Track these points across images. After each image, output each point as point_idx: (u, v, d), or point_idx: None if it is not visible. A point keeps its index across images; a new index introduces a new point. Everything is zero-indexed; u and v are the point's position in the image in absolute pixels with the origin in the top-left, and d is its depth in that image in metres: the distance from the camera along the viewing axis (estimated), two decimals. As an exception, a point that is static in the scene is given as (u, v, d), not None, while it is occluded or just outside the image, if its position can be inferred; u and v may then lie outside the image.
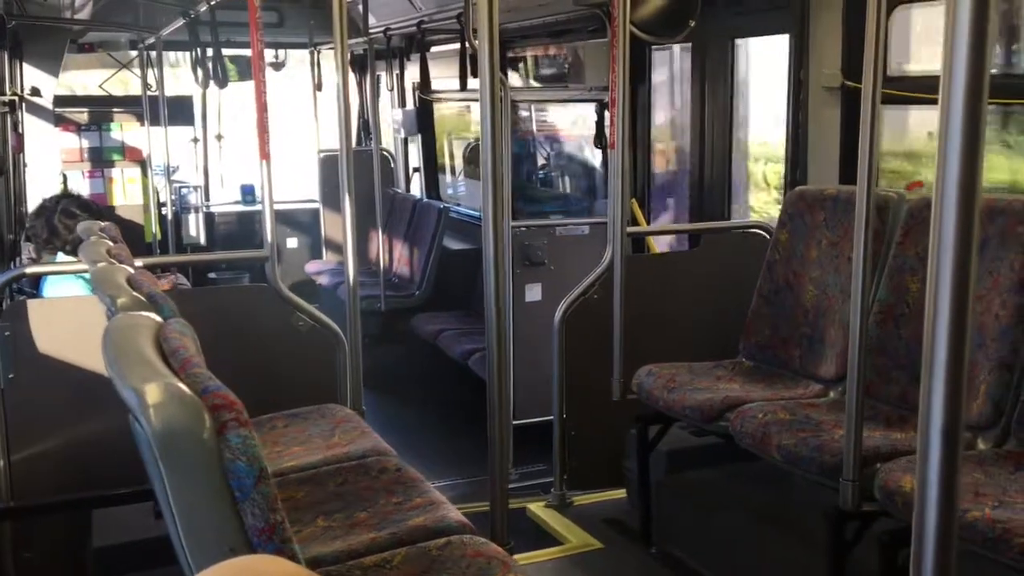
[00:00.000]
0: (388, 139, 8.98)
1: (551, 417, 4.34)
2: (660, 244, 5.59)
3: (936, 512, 1.43)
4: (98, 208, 5.07)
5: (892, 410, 3.14)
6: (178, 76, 8.98)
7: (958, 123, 1.28)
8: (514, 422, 3.12)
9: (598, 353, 4.00)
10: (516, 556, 2.67)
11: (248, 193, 8.97)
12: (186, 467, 1.27)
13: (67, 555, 3.51)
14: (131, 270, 2.37)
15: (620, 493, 4.22)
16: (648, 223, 5.55)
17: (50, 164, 7.75)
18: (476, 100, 7.24)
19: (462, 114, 8.85)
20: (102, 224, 3.29)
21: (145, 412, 1.24)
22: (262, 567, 0.81)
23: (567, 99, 7.35)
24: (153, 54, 7.64)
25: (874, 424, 3.00)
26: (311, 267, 8.43)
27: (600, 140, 5.94)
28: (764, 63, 4.98)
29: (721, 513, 3.59)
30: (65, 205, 4.76)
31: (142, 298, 1.98)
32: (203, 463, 1.26)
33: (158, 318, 1.62)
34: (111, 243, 2.86)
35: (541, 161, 8.01)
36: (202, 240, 8.48)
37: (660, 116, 5.63)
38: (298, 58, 8.97)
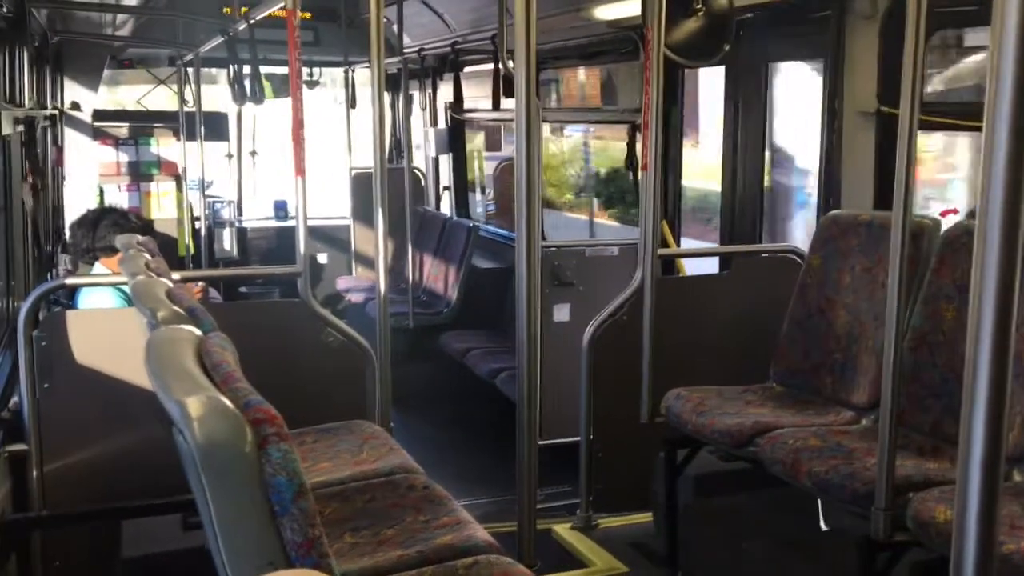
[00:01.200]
0: (418, 158, 9.04)
1: (578, 438, 4.33)
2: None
3: (975, 544, 1.41)
4: (141, 221, 5.16)
5: (925, 439, 3.10)
6: (214, 92, 9.11)
7: (1003, 150, 1.27)
8: (540, 442, 3.10)
9: (626, 375, 3.98)
10: (542, 578, 2.67)
11: (280, 209, 9.06)
12: (227, 480, 1.28)
13: (96, 565, 3.54)
14: (170, 283, 2.40)
15: (646, 517, 4.19)
16: (678, 245, 5.54)
17: (88, 177, 7.87)
18: (509, 120, 7.28)
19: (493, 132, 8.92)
20: (140, 238, 3.34)
21: (188, 425, 1.26)
22: None
23: (599, 120, 7.37)
24: (191, 71, 7.75)
25: (907, 453, 2.96)
26: (341, 283, 8.49)
27: (631, 162, 5.94)
28: (789, 88, 4.98)
29: (749, 539, 3.56)
30: (114, 217, 4.84)
31: (182, 311, 2.01)
32: (244, 477, 1.27)
33: (199, 332, 1.64)
34: (149, 256, 2.90)
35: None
36: (234, 254, 8.57)
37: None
38: (329, 76, 9.07)
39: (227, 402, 1.30)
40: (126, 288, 4.32)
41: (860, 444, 3.07)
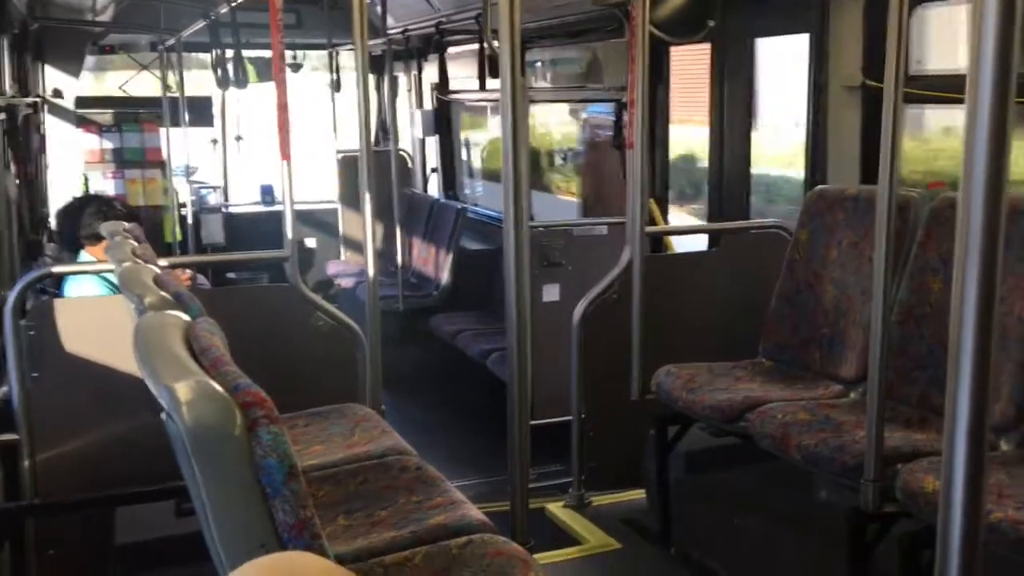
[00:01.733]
0: (405, 140, 9.00)
1: (569, 417, 4.35)
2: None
3: (961, 513, 1.43)
4: (126, 208, 5.13)
5: (913, 411, 3.13)
6: (197, 77, 9.04)
7: (984, 123, 1.28)
8: (532, 422, 3.11)
9: (616, 353, 4.00)
10: (535, 556, 2.68)
11: (267, 193, 9.02)
12: (218, 464, 1.28)
13: (90, 552, 3.55)
14: (157, 270, 2.39)
15: (639, 494, 4.22)
16: (666, 222, 5.55)
17: (72, 165, 7.82)
18: (494, 100, 7.25)
19: (479, 114, 8.86)
20: (126, 225, 3.33)
21: (178, 409, 1.26)
22: (299, 563, 0.82)
23: (585, 99, 7.35)
24: (174, 56, 7.69)
25: (895, 425, 2.99)
26: (330, 268, 8.47)
27: (618, 140, 5.93)
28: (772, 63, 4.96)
29: (740, 514, 3.59)
30: (98, 205, 4.81)
31: (169, 297, 2.00)
32: (234, 460, 1.27)
33: (187, 317, 1.64)
34: (136, 243, 2.89)
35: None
36: (222, 240, 8.53)
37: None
38: (312, 59, 9.01)
39: (216, 386, 1.31)
40: (112, 276, 4.30)
41: (849, 417, 3.09)
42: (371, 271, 3.73)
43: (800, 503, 3.52)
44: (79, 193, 6.94)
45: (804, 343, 3.68)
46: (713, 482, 3.84)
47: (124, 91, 8.60)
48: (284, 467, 1.29)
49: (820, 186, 3.88)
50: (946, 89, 3.52)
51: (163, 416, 1.34)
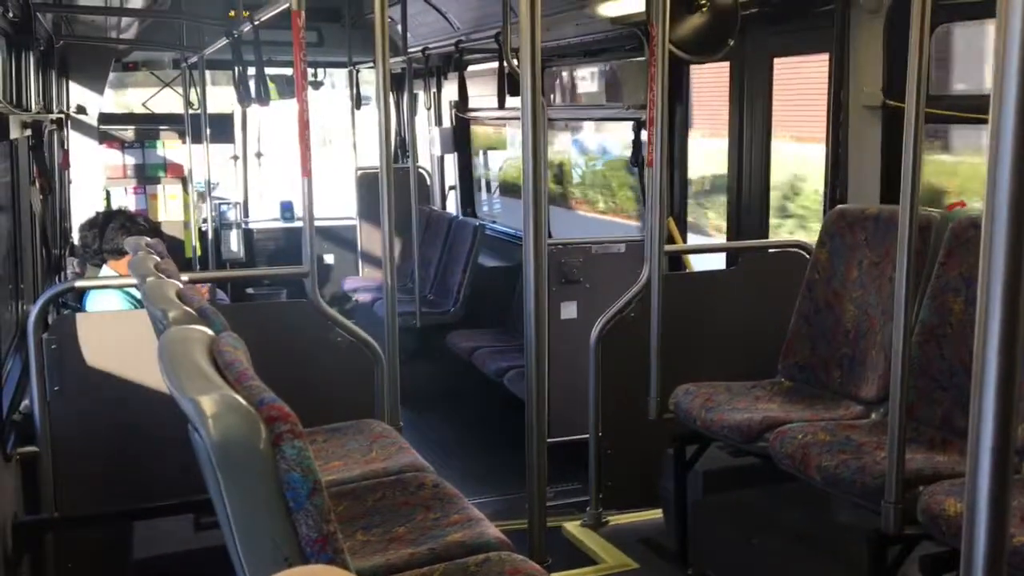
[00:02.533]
0: (424, 157, 9.05)
1: (586, 435, 4.33)
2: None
3: (985, 536, 1.41)
4: (149, 224, 5.17)
5: (934, 432, 3.10)
6: (219, 94, 9.13)
7: (1009, 142, 1.27)
8: (549, 440, 3.09)
9: (634, 372, 3.99)
10: (552, 575, 2.67)
11: (287, 210, 9.08)
12: (243, 477, 1.29)
13: (109, 567, 3.56)
14: (180, 284, 2.41)
15: (656, 513, 4.19)
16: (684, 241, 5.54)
17: (94, 180, 7.90)
18: (513, 119, 7.27)
19: (497, 131, 8.90)
20: (149, 240, 3.36)
21: (204, 423, 1.27)
22: None
23: (604, 117, 7.37)
24: (196, 73, 7.77)
25: (916, 446, 2.96)
26: (348, 283, 8.50)
27: (637, 158, 5.94)
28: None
29: (759, 535, 3.56)
30: (122, 220, 4.86)
31: (193, 312, 2.02)
32: (259, 473, 1.28)
33: (210, 331, 1.65)
34: (158, 258, 2.92)
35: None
36: (241, 256, 8.58)
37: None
38: (332, 76, 9.08)
39: (241, 400, 1.31)
40: (133, 291, 4.34)
41: (869, 438, 3.07)
42: (389, 287, 3.75)
43: (820, 524, 3.49)
44: (101, 208, 7.01)
45: (824, 363, 3.65)
46: (731, 502, 3.81)
47: (147, 108, 8.69)
48: (308, 481, 1.30)
49: (840, 205, 3.87)
50: (968, 109, 3.51)
51: (188, 429, 1.35)
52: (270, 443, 1.29)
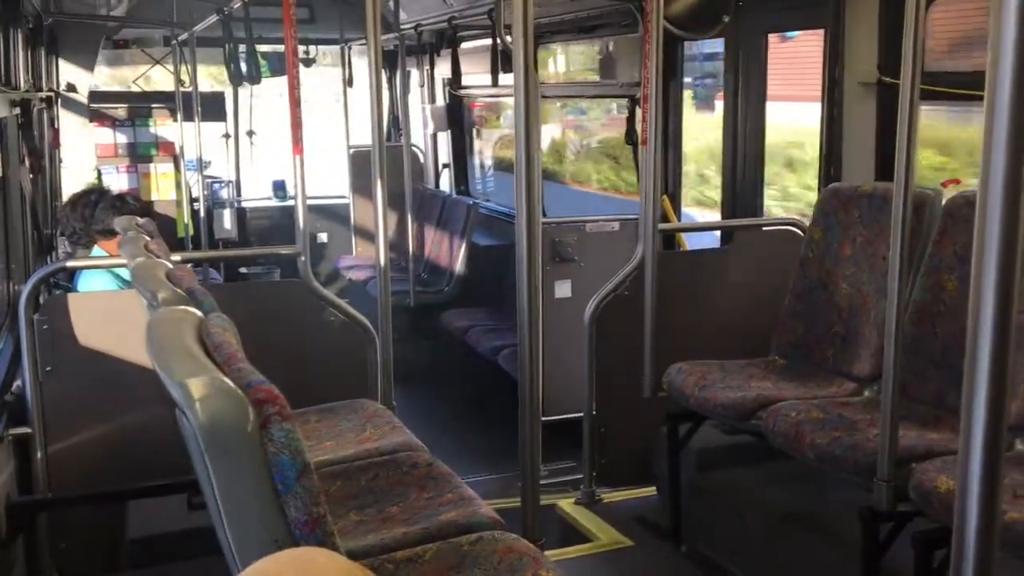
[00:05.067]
0: (417, 135, 9.00)
1: (580, 414, 4.34)
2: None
3: (977, 512, 1.41)
4: (139, 203, 5.14)
5: (927, 409, 3.11)
6: (211, 72, 9.05)
7: (1004, 119, 1.26)
8: (543, 419, 3.09)
9: (628, 350, 3.99)
10: (546, 553, 2.68)
11: (279, 188, 9.03)
12: (231, 460, 1.28)
13: (102, 546, 3.56)
14: (169, 265, 2.39)
15: (650, 491, 4.21)
16: (679, 219, 5.53)
17: (85, 159, 7.84)
18: (507, 96, 7.24)
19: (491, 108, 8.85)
20: (139, 220, 3.34)
21: (191, 406, 1.26)
22: (313, 558, 0.82)
23: (598, 95, 7.33)
24: (187, 50, 7.71)
25: (908, 424, 2.97)
26: (342, 262, 8.48)
27: (631, 136, 5.92)
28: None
29: (752, 512, 3.58)
30: (112, 200, 4.82)
31: (182, 293, 2.00)
32: (247, 456, 1.27)
33: (199, 313, 1.64)
34: (149, 238, 2.90)
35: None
36: (234, 235, 8.55)
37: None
38: (324, 54, 8.99)
39: (229, 382, 1.30)
40: (123, 272, 4.31)
41: (862, 416, 3.08)
42: (383, 266, 3.73)
43: (813, 502, 3.50)
44: (86, 186, 6.95)
45: (817, 341, 3.66)
46: (725, 480, 3.83)
47: (138, 85, 8.61)
48: (297, 464, 1.29)
49: (834, 183, 3.86)
50: (963, 86, 3.49)
51: (176, 412, 1.34)
52: (258, 426, 1.29)
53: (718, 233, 5.20)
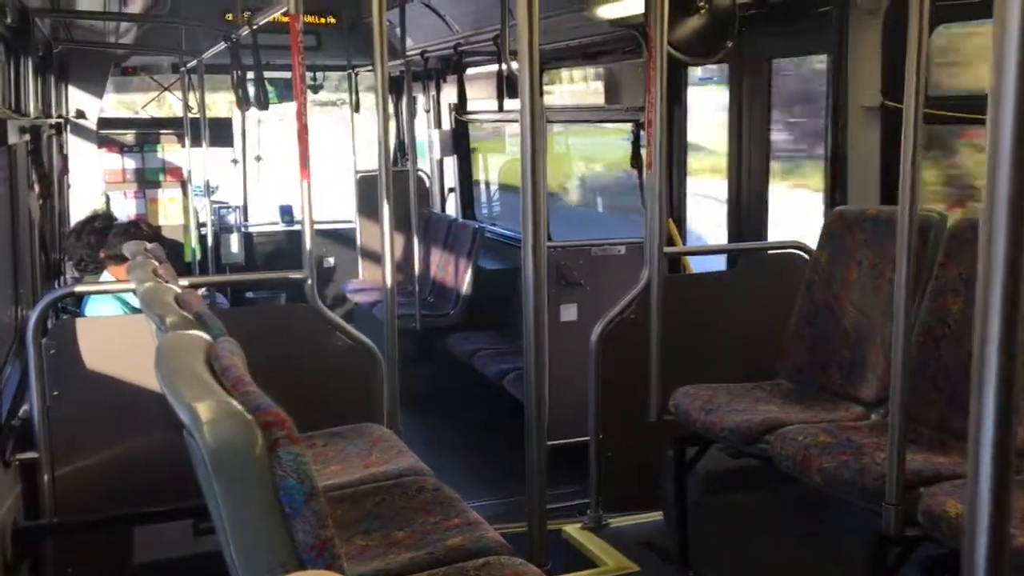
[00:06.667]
0: (423, 160, 9.05)
1: (586, 438, 4.32)
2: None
3: (986, 537, 1.41)
4: (151, 228, 5.17)
5: (933, 433, 3.09)
6: (219, 99, 9.12)
7: (1007, 142, 1.27)
8: (549, 443, 3.09)
9: (634, 374, 3.98)
10: (553, 578, 2.66)
11: (286, 213, 9.08)
12: (239, 483, 1.28)
13: (108, 571, 3.55)
14: (178, 290, 2.41)
15: (656, 515, 4.18)
16: (684, 243, 5.54)
17: (93, 185, 7.89)
18: (513, 121, 7.27)
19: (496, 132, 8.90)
20: (148, 244, 3.36)
21: (199, 429, 1.26)
22: None
23: (603, 119, 7.37)
24: (195, 77, 7.78)
25: (916, 447, 2.95)
26: (348, 286, 8.50)
27: (636, 161, 5.94)
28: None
29: (760, 537, 3.55)
30: (123, 226, 4.85)
31: (191, 317, 2.01)
32: (255, 479, 1.27)
33: (208, 337, 1.65)
34: (157, 263, 2.91)
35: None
36: (241, 259, 8.58)
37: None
38: (332, 80, 9.05)
39: (238, 406, 1.31)
40: (128, 297, 4.33)
41: (869, 439, 3.06)
42: (390, 290, 3.74)
43: (820, 526, 3.48)
44: (89, 214, 6.98)
45: (824, 364, 3.65)
46: (731, 504, 3.80)
47: (146, 112, 8.68)
48: (304, 488, 1.29)
49: (840, 207, 3.87)
50: (967, 109, 3.50)
51: (185, 435, 1.35)
52: (266, 449, 1.29)
53: (723, 256, 5.21)
